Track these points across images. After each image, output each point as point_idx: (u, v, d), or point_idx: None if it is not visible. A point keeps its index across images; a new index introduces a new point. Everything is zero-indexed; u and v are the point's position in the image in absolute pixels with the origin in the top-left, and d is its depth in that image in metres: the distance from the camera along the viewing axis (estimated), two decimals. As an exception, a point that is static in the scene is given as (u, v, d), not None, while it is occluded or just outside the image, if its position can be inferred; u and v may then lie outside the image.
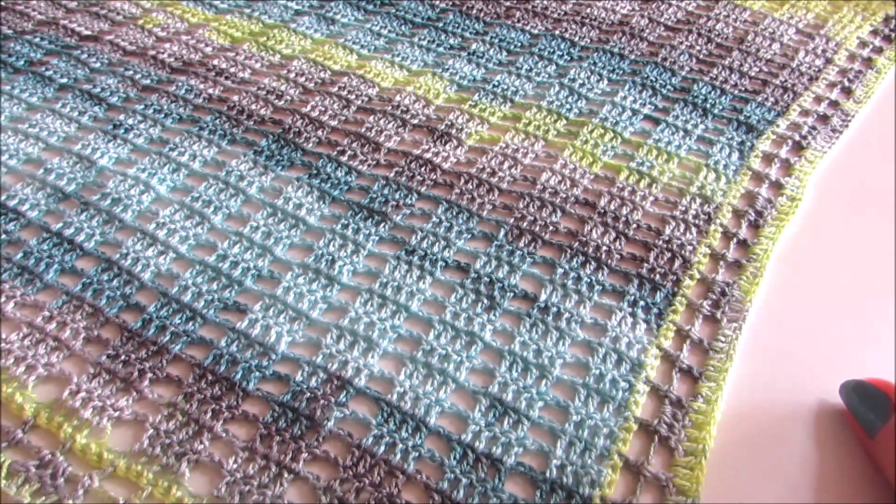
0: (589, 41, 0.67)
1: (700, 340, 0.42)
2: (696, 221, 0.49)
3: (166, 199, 0.50)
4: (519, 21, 0.69)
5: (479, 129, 0.57)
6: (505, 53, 0.65)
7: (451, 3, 0.72)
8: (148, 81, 0.61)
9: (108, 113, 0.57)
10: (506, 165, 0.53)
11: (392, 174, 0.52)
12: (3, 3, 0.70)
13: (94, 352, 0.41)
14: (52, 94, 0.59)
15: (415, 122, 0.57)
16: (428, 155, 0.54)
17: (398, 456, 0.36)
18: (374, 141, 0.55)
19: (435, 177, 0.52)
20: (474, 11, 0.70)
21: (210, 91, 0.60)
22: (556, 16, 0.70)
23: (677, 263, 0.46)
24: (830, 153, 0.55)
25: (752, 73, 0.62)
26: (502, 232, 0.48)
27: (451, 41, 0.67)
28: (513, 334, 0.42)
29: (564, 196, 0.51)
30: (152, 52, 0.64)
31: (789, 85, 0.61)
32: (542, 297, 0.44)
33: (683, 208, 0.50)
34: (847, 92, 0.61)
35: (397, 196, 0.51)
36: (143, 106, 0.58)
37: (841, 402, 0.39)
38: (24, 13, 0.69)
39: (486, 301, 0.44)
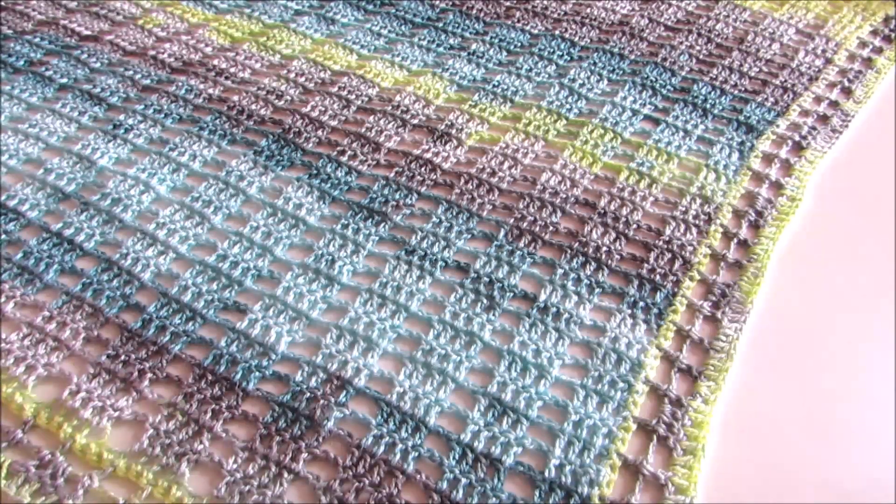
0: (589, 41, 0.67)
1: (700, 340, 0.42)
2: (697, 222, 0.49)
3: (166, 199, 0.50)
4: (519, 21, 0.69)
5: (479, 129, 0.57)
6: (505, 53, 0.65)
7: (451, 3, 0.72)
8: (148, 81, 0.61)
9: (108, 113, 0.57)
10: (506, 165, 0.53)
11: (392, 174, 0.52)
12: (3, 3, 0.70)
13: (94, 352, 0.41)
14: (52, 94, 0.59)
15: (415, 122, 0.57)
16: (428, 155, 0.54)
17: (398, 456, 0.36)
18: (374, 141, 0.55)
19: (435, 177, 0.52)
20: (474, 11, 0.70)
21: (210, 91, 0.60)
22: (556, 16, 0.70)
23: (677, 264, 0.46)
24: (830, 153, 0.55)
25: (752, 73, 0.62)
26: (502, 232, 0.48)
27: (451, 41, 0.67)
28: (512, 334, 0.42)
29: (564, 196, 0.51)
30: (152, 52, 0.64)
31: (789, 85, 0.61)
32: (542, 297, 0.44)
33: (683, 209, 0.50)
34: (847, 92, 0.61)
35: (397, 196, 0.51)
36: (143, 106, 0.58)
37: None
38: (24, 13, 0.69)
39: (485, 301, 0.44)
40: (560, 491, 0.35)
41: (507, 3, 0.72)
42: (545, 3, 0.72)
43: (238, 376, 0.40)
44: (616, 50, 0.65)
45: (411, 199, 0.51)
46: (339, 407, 0.38)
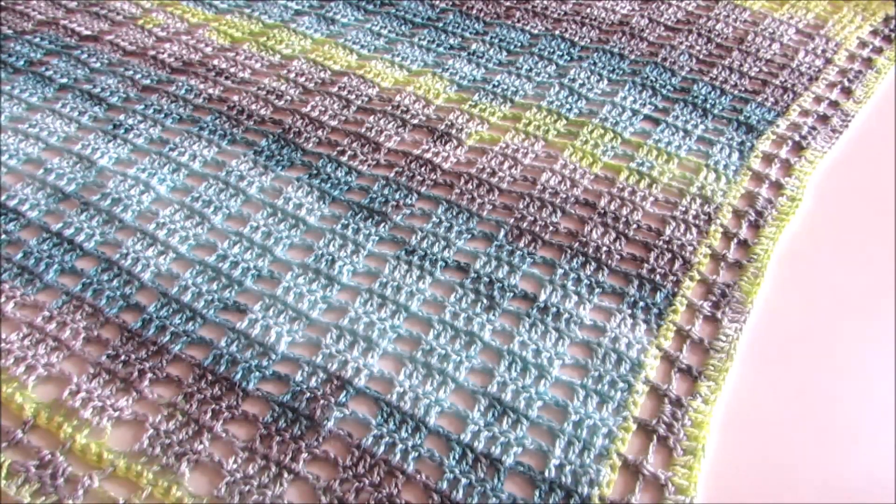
0: (589, 41, 0.67)
1: (700, 340, 0.42)
2: (697, 222, 0.49)
3: (166, 199, 0.50)
4: (519, 21, 0.69)
5: (479, 129, 0.57)
6: (505, 53, 0.65)
7: (451, 3, 0.72)
8: (148, 81, 0.61)
9: (108, 113, 0.57)
10: (506, 165, 0.53)
11: (392, 174, 0.52)
12: (3, 3, 0.70)
13: (94, 352, 0.41)
14: (52, 94, 0.59)
15: (415, 122, 0.57)
16: (428, 155, 0.54)
17: (398, 456, 0.36)
18: (374, 141, 0.55)
19: (435, 177, 0.52)
20: (474, 11, 0.70)
21: (210, 91, 0.60)
22: (556, 16, 0.70)
23: (677, 264, 0.46)
24: (830, 153, 0.55)
25: (752, 74, 0.62)
26: (502, 232, 0.48)
27: (451, 41, 0.67)
28: (512, 334, 0.42)
29: (564, 196, 0.51)
30: (152, 52, 0.64)
31: (789, 85, 0.61)
32: (542, 297, 0.44)
33: (684, 209, 0.50)
34: (847, 92, 0.61)
35: (397, 196, 0.51)
36: (143, 106, 0.58)
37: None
38: (24, 13, 0.69)
39: (485, 301, 0.44)
40: (560, 491, 0.35)
41: (507, 3, 0.72)
42: (545, 3, 0.72)
43: (238, 376, 0.40)
44: (616, 50, 0.65)
45: (411, 199, 0.51)
46: (339, 407, 0.38)
